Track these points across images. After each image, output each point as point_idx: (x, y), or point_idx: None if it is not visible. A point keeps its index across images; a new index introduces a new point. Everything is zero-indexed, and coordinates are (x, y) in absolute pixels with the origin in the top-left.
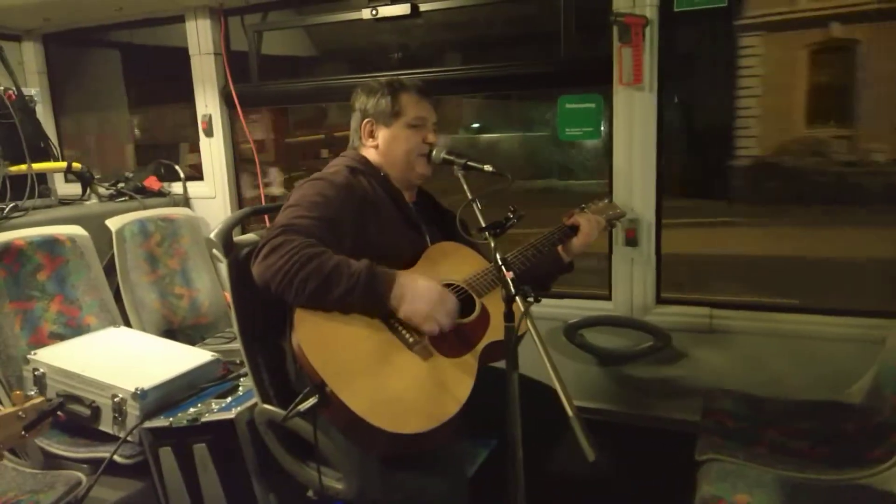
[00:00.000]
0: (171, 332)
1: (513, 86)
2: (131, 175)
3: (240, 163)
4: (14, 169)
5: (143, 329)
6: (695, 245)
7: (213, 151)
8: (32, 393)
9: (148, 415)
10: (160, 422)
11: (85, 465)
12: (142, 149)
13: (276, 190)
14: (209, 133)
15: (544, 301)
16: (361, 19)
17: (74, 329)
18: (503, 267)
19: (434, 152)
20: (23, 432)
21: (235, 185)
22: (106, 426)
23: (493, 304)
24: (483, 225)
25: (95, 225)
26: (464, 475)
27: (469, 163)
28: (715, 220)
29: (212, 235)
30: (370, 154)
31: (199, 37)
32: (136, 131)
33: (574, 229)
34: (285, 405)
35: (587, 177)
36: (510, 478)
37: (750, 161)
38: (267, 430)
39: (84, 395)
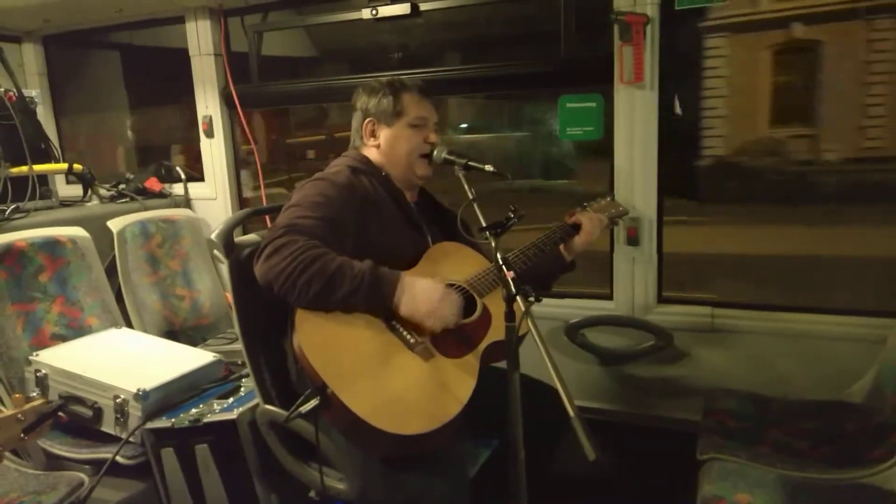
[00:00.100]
0: (173, 333)
1: (513, 85)
2: (132, 176)
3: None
4: (15, 170)
5: (145, 330)
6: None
7: (214, 152)
8: (34, 394)
9: (150, 416)
10: (162, 422)
11: (87, 466)
12: (138, 150)
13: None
14: (210, 134)
15: (545, 300)
16: (361, 19)
17: (76, 330)
18: (504, 266)
19: (435, 152)
20: (22, 435)
21: (236, 185)
22: (108, 427)
23: (495, 305)
24: (483, 225)
25: (97, 226)
26: (465, 475)
27: (470, 163)
28: (689, 218)
29: (213, 236)
30: (372, 154)
31: (200, 38)
32: (130, 133)
33: (576, 228)
34: (287, 406)
35: (563, 177)
36: (512, 478)
37: (713, 161)
38: (269, 430)
39: (86, 396)
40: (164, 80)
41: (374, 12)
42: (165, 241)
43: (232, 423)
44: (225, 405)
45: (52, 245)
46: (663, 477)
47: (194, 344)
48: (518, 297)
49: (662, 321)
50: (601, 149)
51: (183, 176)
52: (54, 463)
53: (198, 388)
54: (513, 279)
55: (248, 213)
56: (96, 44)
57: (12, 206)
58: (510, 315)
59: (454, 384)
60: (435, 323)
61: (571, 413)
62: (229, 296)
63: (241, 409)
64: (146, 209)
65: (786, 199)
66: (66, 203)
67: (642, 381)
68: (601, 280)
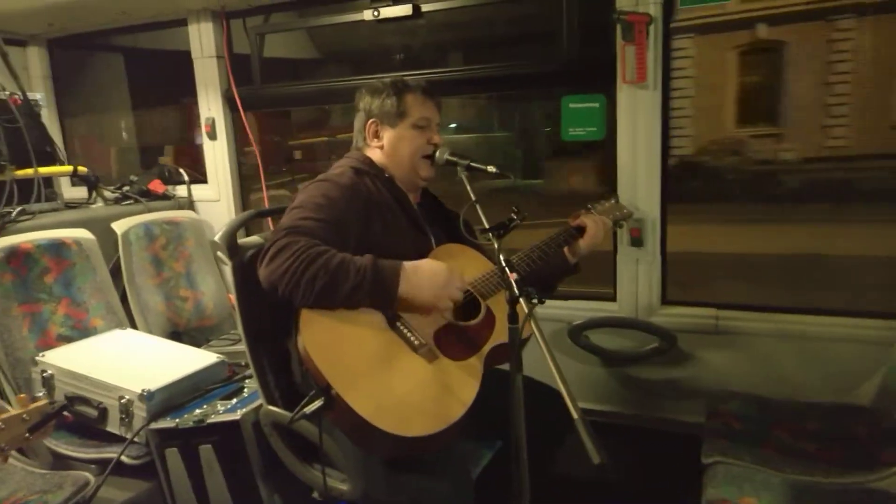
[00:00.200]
0: (177, 334)
1: (516, 86)
2: (136, 178)
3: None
4: (20, 173)
5: (149, 331)
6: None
7: (217, 154)
8: (41, 395)
9: (154, 416)
10: (166, 423)
11: (93, 466)
12: (141, 151)
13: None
14: (213, 136)
15: (549, 302)
16: (363, 21)
17: (81, 331)
18: (507, 268)
19: (437, 153)
20: (27, 434)
21: (239, 187)
22: (113, 427)
23: (499, 307)
24: (486, 226)
25: (101, 228)
26: (468, 477)
27: (472, 164)
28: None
29: (216, 238)
30: (375, 155)
31: (202, 40)
32: (124, 134)
33: (580, 230)
34: (290, 407)
35: (529, 176)
36: (515, 479)
37: (677, 161)
38: (272, 431)
39: (91, 396)
40: (167, 82)
41: (375, 13)
42: (169, 243)
43: (235, 423)
44: (228, 406)
45: (57, 247)
46: (667, 479)
47: (198, 345)
48: (521, 299)
49: (666, 323)
50: (569, 149)
51: (186, 178)
52: (60, 462)
53: (202, 388)
54: (516, 281)
55: (252, 215)
56: (100, 47)
57: (18, 209)
58: (513, 317)
59: (458, 386)
60: (442, 300)
61: (575, 416)
62: (233, 297)
63: (244, 409)
64: (150, 211)
65: (749, 197)
66: (70, 205)
67: (646, 383)
68: (604, 279)
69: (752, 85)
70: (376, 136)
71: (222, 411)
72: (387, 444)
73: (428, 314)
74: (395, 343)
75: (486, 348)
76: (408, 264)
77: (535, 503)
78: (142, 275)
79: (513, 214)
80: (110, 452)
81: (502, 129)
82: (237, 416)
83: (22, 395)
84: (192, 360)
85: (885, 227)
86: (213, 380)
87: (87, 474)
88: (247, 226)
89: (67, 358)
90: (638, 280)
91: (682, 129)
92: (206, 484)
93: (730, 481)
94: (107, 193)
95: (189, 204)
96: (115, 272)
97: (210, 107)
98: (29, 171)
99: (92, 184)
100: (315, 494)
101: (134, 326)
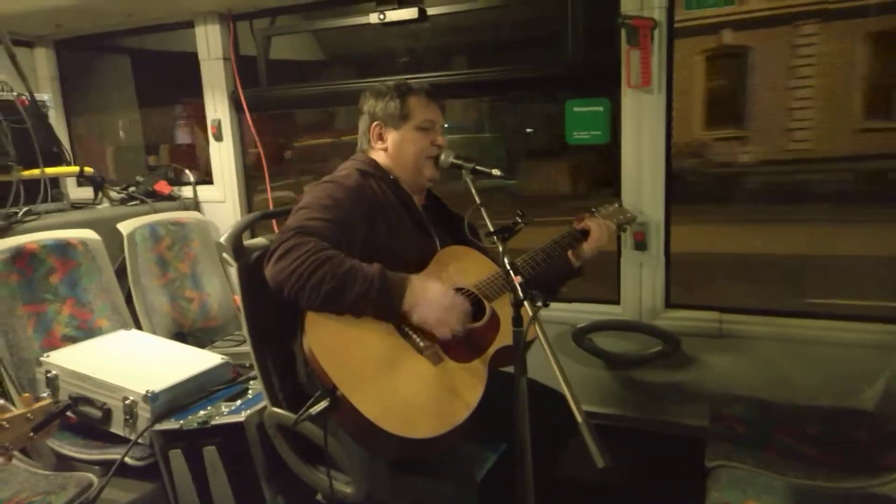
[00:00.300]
0: (182, 335)
1: (520, 89)
2: (142, 179)
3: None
4: (27, 173)
5: (154, 332)
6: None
7: (223, 156)
8: (45, 395)
9: (158, 417)
10: (170, 424)
11: (96, 467)
12: (134, 151)
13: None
14: (219, 137)
15: (553, 305)
16: (369, 24)
17: (86, 332)
18: (511, 271)
19: (442, 156)
20: (31, 433)
21: (245, 189)
22: (117, 428)
23: (504, 309)
24: (491, 229)
25: (107, 229)
26: (473, 479)
27: (477, 167)
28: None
29: (222, 239)
30: (379, 157)
31: (209, 42)
32: (121, 133)
33: (584, 234)
34: (295, 408)
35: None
36: (519, 482)
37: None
38: (276, 433)
39: (96, 397)
40: (173, 83)
41: (381, 17)
42: (175, 244)
43: (240, 425)
44: (233, 407)
45: (63, 247)
46: (671, 482)
47: (202, 346)
48: (526, 303)
49: (670, 326)
50: (549, 150)
51: (192, 179)
52: (64, 463)
53: (206, 390)
54: (521, 284)
55: (258, 217)
56: (107, 48)
57: (24, 209)
58: (518, 320)
59: (463, 388)
60: (442, 328)
61: (579, 419)
62: (238, 298)
63: (248, 411)
64: (156, 212)
65: (714, 198)
66: (77, 205)
67: (650, 387)
68: (608, 282)
69: (719, 89)
70: (380, 138)
71: (226, 413)
72: (392, 445)
73: (429, 332)
74: (400, 345)
75: (491, 351)
76: (416, 280)
77: None
78: (147, 275)
79: (517, 218)
80: (114, 453)
81: (492, 129)
82: (241, 417)
83: (26, 395)
84: (196, 361)
85: (869, 228)
86: (217, 381)
87: (91, 475)
88: (252, 227)
89: (72, 358)
90: (641, 283)
91: None
92: (209, 486)
93: (733, 485)
94: (112, 194)
95: (195, 205)
96: (121, 273)
97: (216, 108)
98: (35, 172)
99: (98, 184)
100: (319, 497)
101: (139, 327)
